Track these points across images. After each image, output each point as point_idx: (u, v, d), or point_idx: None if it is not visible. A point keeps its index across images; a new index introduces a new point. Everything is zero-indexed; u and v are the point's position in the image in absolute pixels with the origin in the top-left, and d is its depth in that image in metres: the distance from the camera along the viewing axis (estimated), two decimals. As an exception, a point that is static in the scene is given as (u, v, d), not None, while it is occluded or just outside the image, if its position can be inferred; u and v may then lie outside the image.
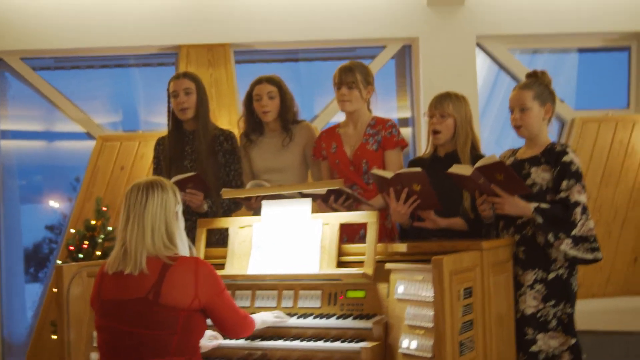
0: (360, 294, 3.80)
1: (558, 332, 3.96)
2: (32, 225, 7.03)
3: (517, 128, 4.19)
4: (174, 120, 5.07)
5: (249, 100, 5.08)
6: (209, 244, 4.31)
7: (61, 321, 4.04)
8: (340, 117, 6.61)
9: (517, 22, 7.13)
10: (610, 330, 5.92)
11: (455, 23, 7.04)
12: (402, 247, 3.78)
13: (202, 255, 4.15)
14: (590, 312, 5.96)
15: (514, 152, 4.31)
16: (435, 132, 4.46)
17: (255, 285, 4.03)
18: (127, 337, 3.18)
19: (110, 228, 6.13)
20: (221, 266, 4.06)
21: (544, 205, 3.93)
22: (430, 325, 3.34)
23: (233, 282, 4.00)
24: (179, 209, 3.36)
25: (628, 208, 7.18)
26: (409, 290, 3.51)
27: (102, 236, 6.06)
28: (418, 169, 3.99)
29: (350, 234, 4.61)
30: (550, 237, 3.89)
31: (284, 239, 3.97)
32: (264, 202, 4.12)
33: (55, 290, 4.21)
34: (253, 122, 5.12)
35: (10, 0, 6.67)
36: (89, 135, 6.95)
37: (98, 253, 6.00)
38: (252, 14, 6.86)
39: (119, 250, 3.25)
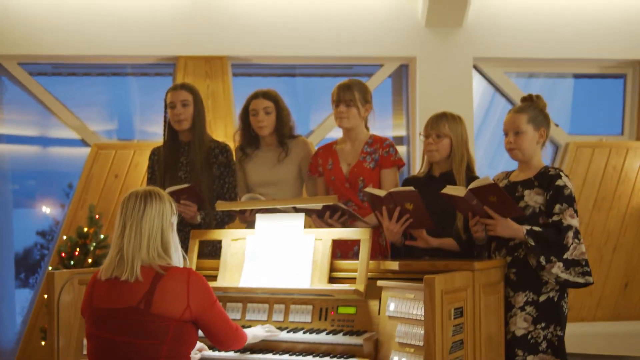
0: (351, 310, 3.80)
1: (548, 355, 3.96)
2: (23, 230, 7.02)
3: (511, 151, 4.21)
4: (170, 131, 5.06)
5: (245, 114, 5.09)
6: (201, 256, 4.31)
7: (51, 328, 4.03)
8: (335, 134, 6.65)
9: (514, 46, 7.18)
10: (600, 354, 5.93)
11: (453, 44, 7.08)
12: (394, 265, 3.79)
13: (194, 267, 4.15)
14: (580, 336, 5.99)
15: (507, 174, 4.33)
16: (430, 152, 4.47)
17: (247, 298, 4.03)
18: (117, 346, 3.18)
19: (102, 236, 6.12)
20: (213, 278, 4.05)
21: (536, 228, 3.95)
22: (421, 343, 3.35)
23: (224, 294, 4.00)
24: (175, 219, 3.37)
25: (620, 233, 7.21)
26: (400, 308, 3.52)
27: (94, 244, 6.05)
28: (411, 188, 4.00)
29: (344, 250, 4.62)
30: (542, 260, 3.90)
31: (277, 252, 3.98)
32: (258, 216, 4.13)
33: (46, 296, 4.20)
34: (249, 136, 5.13)
35: (9, 5, 6.69)
36: (83, 142, 6.94)
37: (89, 261, 5.98)
38: (251, 28, 6.89)
39: (115, 257, 3.25)
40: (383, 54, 7.08)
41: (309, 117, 7.21)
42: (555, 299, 3.99)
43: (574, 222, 3.98)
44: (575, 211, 4.01)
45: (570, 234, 3.94)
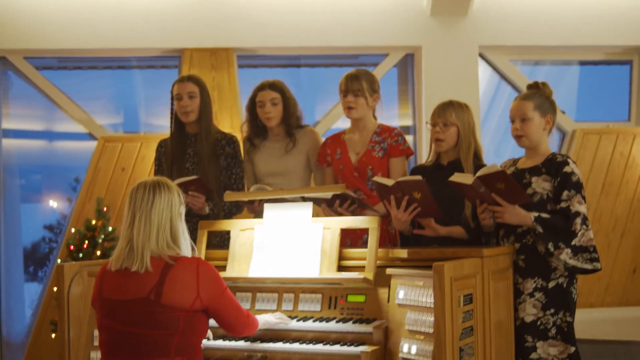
0: (360, 298, 3.81)
1: (557, 341, 3.97)
2: (30, 224, 7.04)
3: (518, 138, 4.21)
4: (177, 123, 5.07)
5: (252, 105, 5.09)
6: (209, 246, 4.32)
7: (62, 320, 4.04)
8: (341, 124, 6.65)
9: (519, 34, 7.16)
10: (609, 339, 5.94)
11: (458, 33, 7.07)
12: (403, 253, 3.80)
13: (202, 257, 4.15)
14: (589, 322, 5.99)
15: (514, 161, 4.33)
16: (437, 140, 4.47)
17: (256, 288, 4.05)
18: (128, 337, 3.19)
19: (110, 228, 6.13)
20: (222, 268, 4.06)
21: (544, 215, 3.95)
22: (431, 330, 3.36)
23: (234, 284, 4.01)
24: (183, 210, 3.37)
25: (628, 219, 7.21)
26: (410, 295, 3.53)
27: (102, 236, 6.07)
28: (418, 177, 4.00)
29: (353, 238, 4.63)
30: (550, 246, 3.90)
31: (285, 242, 3.99)
32: (266, 205, 4.13)
33: (55, 289, 4.21)
34: (256, 127, 5.13)
35: (14, 0, 6.69)
36: (90, 136, 6.95)
37: (98, 253, 6.01)
38: (256, 19, 6.88)
39: (124, 247, 3.25)
40: (388, 43, 7.07)
41: (314, 108, 7.20)
42: (565, 285, 3.99)
43: (582, 208, 3.98)
44: (583, 197, 4.01)
45: (578, 220, 3.94)
